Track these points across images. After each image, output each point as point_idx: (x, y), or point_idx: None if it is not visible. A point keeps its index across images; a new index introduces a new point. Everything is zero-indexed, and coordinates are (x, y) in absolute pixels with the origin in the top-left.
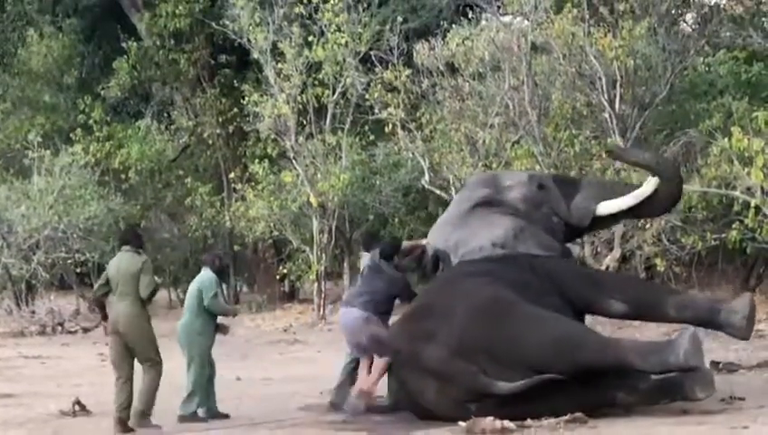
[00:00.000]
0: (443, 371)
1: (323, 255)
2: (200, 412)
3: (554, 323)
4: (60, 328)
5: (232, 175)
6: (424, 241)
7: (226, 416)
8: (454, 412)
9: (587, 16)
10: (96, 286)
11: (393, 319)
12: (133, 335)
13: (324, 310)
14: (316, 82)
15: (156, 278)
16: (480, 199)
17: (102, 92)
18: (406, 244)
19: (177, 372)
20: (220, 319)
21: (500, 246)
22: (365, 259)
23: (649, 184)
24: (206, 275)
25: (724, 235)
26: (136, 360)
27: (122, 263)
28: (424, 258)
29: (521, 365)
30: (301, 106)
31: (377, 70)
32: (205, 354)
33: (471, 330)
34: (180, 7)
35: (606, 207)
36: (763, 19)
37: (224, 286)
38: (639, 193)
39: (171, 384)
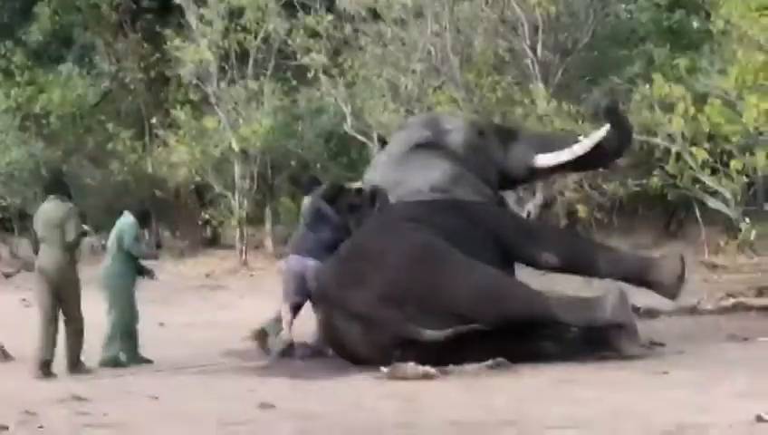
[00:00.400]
0: (369, 315)
1: (245, 200)
2: (121, 356)
3: (483, 274)
4: None
5: (154, 120)
6: (359, 184)
7: (149, 361)
8: (379, 357)
9: None
10: (33, 240)
11: None
12: (60, 283)
13: (246, 256)
14: (238, 28)
15: (84, 226)
16: (420, 141)
17: (23, 37)
18: (356, 184)
19: (101, 318)
20: (146, 263)
21: (438, 190)
22: (306, 203)
23: (589, 139)
24: (125, 219)
25: (645, 181)
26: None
27: (49, 211)
28: (361, 198)
29: (448, 314)
30: (223, 51)
31: (299, 15)
32: (126, 298)
33: (400, 276)
34: None
35: (543, 160)
36: None
37: (145, 232)
38: (577, 148)
39: (96, 329)
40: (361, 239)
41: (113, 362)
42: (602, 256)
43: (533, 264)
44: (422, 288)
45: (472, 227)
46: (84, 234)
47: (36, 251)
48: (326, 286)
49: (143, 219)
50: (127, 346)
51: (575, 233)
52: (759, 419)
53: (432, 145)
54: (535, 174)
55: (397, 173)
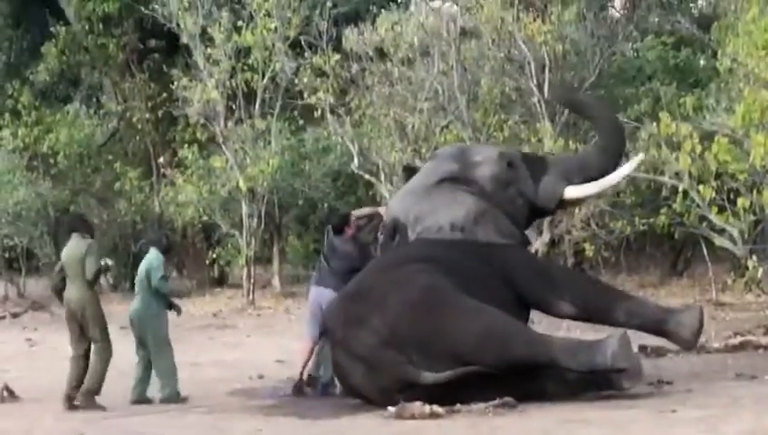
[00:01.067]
0: (370, 358)
1: (253, 240)
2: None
3: (486, 317)
4: None
5: (161, 160)
6: (381, 209)
7: (150, 401)
8: (382, 399)
9: (516, 1)
10: (53, 276)
11: None
12: (83, 316)
13: (254, 295)
14: (245, 67)
15: (105, 261)
16: (446, 174)
17: (31, 77)
18: (363, 211)
19: (123, 356)
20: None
21: (459, 228)
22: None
23: (617, 172)
24: (153, 255)
25: (652, 219)
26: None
27: (71, 249)
28: (380, 227)
29: (449, 357)
30: (230, 91)
31: (306, 55)
32: (164, 337)
33: (401, 319)
34: None
35: (573, 193)
36: (691, 4)
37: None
38: (606, 182)
39: (116, 368)
40: (368, 278)
41: (146, 400)
42: (620, 305)
43: (550, 311)
44: (423, 332)
45: (488, 269)
46: (105, 269)
47: (54, 288)
48: (331, 325)
49: (168, 252)
50: (174, 384)
51: (593, 280)
52: None
53: (458, 179)
54: (563, 205)
55: (420, 207)
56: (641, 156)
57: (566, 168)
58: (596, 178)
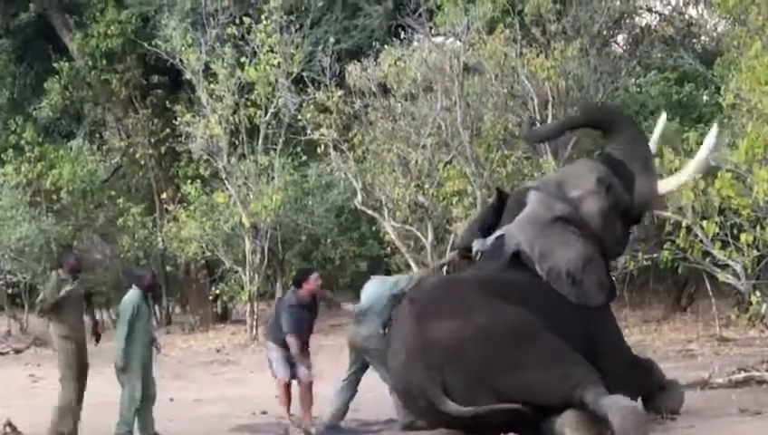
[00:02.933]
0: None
1: (256, 275)
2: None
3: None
4: None
5: (164, 195)
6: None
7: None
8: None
9: (519, 37)
10: None
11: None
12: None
13: (257, 330)
14: (248, 103)
15: (56, 293)
16: (559, 213)
17: (34, 113)
18: (444, 260)
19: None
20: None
21: (571, 276)
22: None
23: (703, 149)
24: (127, 296)
25: (655, 254)
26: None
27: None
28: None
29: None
30: (233, 127)
31: (309, 90)
32: (135, 373)
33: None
34: (112, 27)
35: (667, 186)
36: (694, 40)
37: (154, 307)
38: (697, 163)
39: (107, 404)
40: (466, 292)
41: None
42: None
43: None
44: (491, 365)
45: (578, 334)
46: (45, 301)
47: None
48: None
49: (151, 290)
50: (130, 422)
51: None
52: None
53: (569, 220)
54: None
55: (543, 241)
56: (715, 129)
57: (643, 163)
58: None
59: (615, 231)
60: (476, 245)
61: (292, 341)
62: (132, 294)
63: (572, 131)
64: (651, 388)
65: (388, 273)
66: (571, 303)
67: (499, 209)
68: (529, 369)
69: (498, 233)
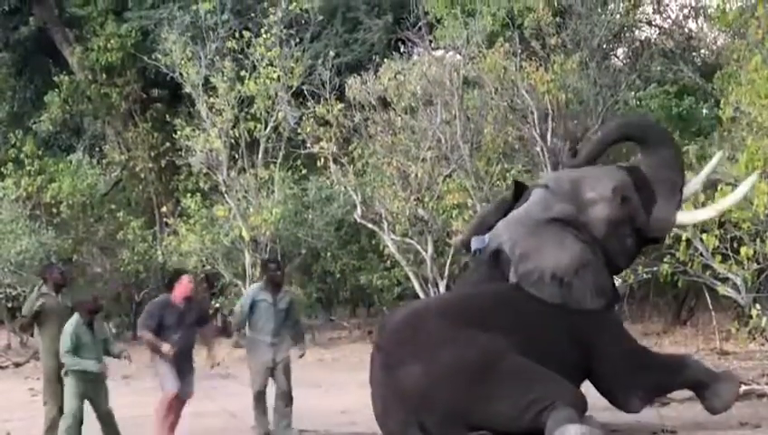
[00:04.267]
0: (389, 409)
1: None
2: None
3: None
4: None
5: (164, 209)
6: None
7: None
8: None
9: (519, 50)
10: None
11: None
12: None
13: None
14: (248, 117)
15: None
16: (559, 215)
17: (34, 126)
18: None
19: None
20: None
21: (558, 279)
22: None
23: (733, 194)
24: (69, 321)
25: (655, 268)
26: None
27: None
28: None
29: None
30: (233, 140)
31: (309, 104)
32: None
33: (442, 384)
34: (112, 41)
35: (684, 219)
36: (694, 54)
37: (102, 326)
38: (720, 206)
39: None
40: (428, 317)
41: None
42: (679, 381)
43: (615, 404)
44: (461, 401)
45: (564, 339)
46: (22, 318)
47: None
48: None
49: (95, 313)
50: None
51: (662, 361)
52: None
53: (570, 222)
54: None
55: (527, 243)
56: (754, 177)
57: (669, 188)
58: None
59: (623, 244)
60: (475, 243)
61: (145, 337)
62: (71, 322)
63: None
64: (673, 386)
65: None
66: (555, 311)
67: (511, 205)
68: (497, 399)
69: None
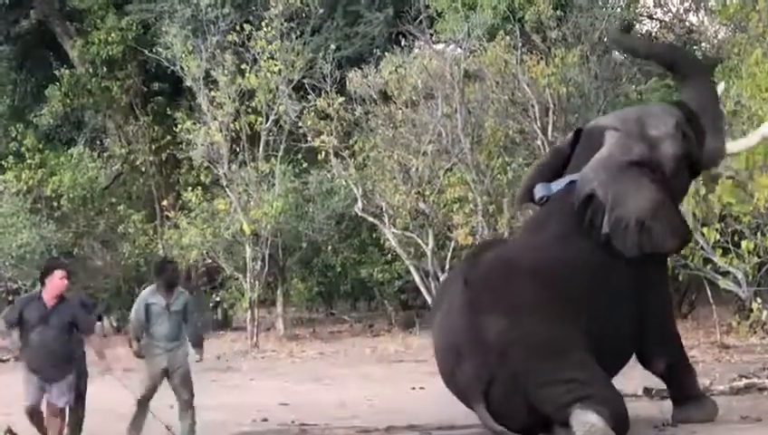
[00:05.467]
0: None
1: (256, 282)
2: None
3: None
4: None
5: (165, 202)
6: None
7: None
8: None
9: (519, 44)
10: None
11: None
12: None
13: (257, 337)
14: (249, 110)
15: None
16: (636, 158)
17: (35, 120)
18: None
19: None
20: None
21: (640, 223)
22: None
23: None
24: None
25: None
26: None
27: None
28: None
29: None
30: (234, 134)
31: (310, 97)
32: None
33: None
34: (113, 35)
35: (734, 148)
36: (695, 47)
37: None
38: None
39: (115, 412)
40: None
41: None
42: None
43: (643, 363)
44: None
45: (632, 312)
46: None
47: None
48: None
49: None
50: None
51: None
52: None
53: (645, 163)
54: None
55: (616, 188)
56: None
57: (714, 120)
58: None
59: (684, 180)
60: (540, 190)
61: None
62: None
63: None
64: (683, 363)
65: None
66: (626, 274)
67: (569, 152)
68: (553, 385)
69: (569, 178)
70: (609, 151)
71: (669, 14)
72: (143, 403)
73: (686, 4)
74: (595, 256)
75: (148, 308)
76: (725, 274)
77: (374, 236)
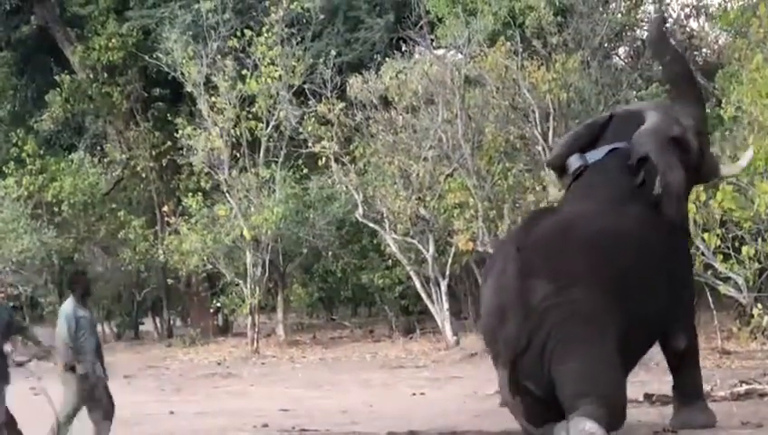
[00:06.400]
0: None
1: (257, 288)
2: None
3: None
4: None
5: (165, 208)
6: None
7: None
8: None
9: (520, 50)
10: None
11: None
12: None
13: (258, 343)
14: (250, 116)
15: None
16: (677, 135)
17: (35, 125)
18: None
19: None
20: None
21: (680, 194)
22: None
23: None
24: None
25: None
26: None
27: None
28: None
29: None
30: (234, 139)
31: (310, 103)
32: None
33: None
34: (113, 41)
35: (726, 171)
36: (695, 53)
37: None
38: (743, 162)
39: (118, 418)
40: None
41: None
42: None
43: (666, 340)
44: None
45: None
46: None
47: None
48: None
49: None
50: None
51: None
52: None
53: (680, 143)
54: None
55: (665, 156)
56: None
57: (707, 143)
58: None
59: (691, 176)
60: (577, 160)
61: None
62: None
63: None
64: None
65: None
66: (668, 247)
67: (602, 129)
68: (575, 368)
69: (608, 147)
70: (656, 125)
71: (670, 19)
72: (68, 421)
73: (687, 10)
74: (645, 225)
75: (78, 322)
76: (726, 279)
77: (375, 241)
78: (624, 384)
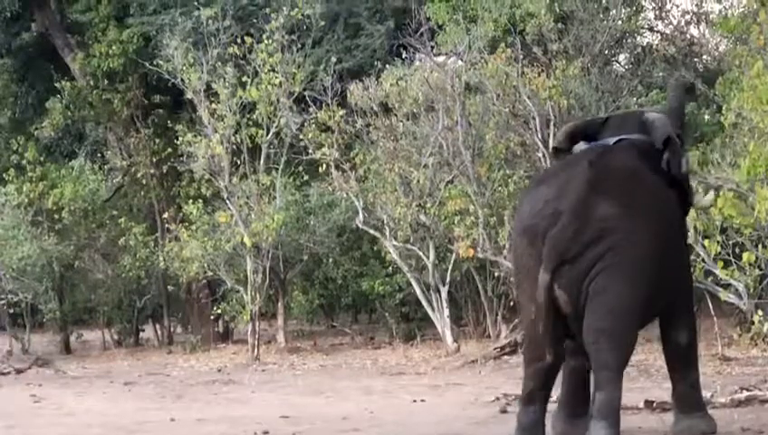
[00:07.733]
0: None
1: (257, 295)
2: None
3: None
4: None
5: (166, 215)
6: None
7: None
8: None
9: (520, 56)
10: None
11: None
12: None
13: (258, 350)
14: (250, 123)
15: None
16: (678, 133)
17: (35, 132)
18: None
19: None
20: None
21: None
22: None
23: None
24: None
25: None
26: None
27: None
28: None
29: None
30: (235, 146)
31: (311, 110)
32: None
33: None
34: (114, 47)
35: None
36: (695, 59)
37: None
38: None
39: (112, 424)
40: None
41: None
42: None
43: (665, 334)
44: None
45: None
46: None
47: None
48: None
49: None
50: None
51: None
52: None
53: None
54: None
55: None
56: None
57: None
58: None
59: None
60: (582, 148)
61: None
62: None
63: None
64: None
65: None
66: (682, 230)
67: (600, 127)
68: (612, 296)
69: (617, 137)
70: (664, 120)
71: (670, 26)
72: None
73: (687, 17)
74: (673, 205)
75: None
76: (726, 286)
77: (375, 248)
78: (636, 336)
